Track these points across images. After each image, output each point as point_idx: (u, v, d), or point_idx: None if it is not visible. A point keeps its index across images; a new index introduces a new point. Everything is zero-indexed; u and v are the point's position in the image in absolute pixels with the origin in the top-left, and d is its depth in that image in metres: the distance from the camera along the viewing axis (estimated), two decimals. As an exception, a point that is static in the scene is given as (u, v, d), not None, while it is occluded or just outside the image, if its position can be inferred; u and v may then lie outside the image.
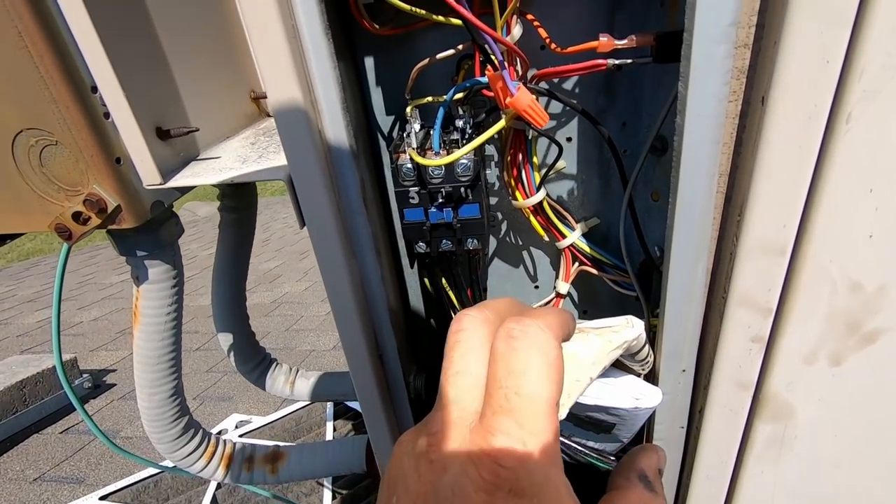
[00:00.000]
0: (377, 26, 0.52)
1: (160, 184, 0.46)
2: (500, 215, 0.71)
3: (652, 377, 0.55)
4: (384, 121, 0.66)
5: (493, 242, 0.74)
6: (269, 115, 0.69)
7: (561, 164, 0.66)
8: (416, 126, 0.59)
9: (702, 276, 0.47)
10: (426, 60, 0.53)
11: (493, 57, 0.45)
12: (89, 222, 0.47)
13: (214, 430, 2.05)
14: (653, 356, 0.53)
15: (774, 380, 0.48)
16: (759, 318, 0.45)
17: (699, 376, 0.53)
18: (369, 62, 0.62)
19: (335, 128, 0.44)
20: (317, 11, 0.42)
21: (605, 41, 0.45)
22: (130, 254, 0.53)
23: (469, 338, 0.30)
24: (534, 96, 0.47)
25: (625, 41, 0.45)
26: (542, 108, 0.47)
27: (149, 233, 0.53)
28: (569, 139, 0.64)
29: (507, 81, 0.46)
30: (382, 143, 0.67)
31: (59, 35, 0.42)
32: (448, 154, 0.53)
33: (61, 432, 2.47)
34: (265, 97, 0.68)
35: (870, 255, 0.41)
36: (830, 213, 0.39)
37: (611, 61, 0.46)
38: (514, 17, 0.51)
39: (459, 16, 0.41)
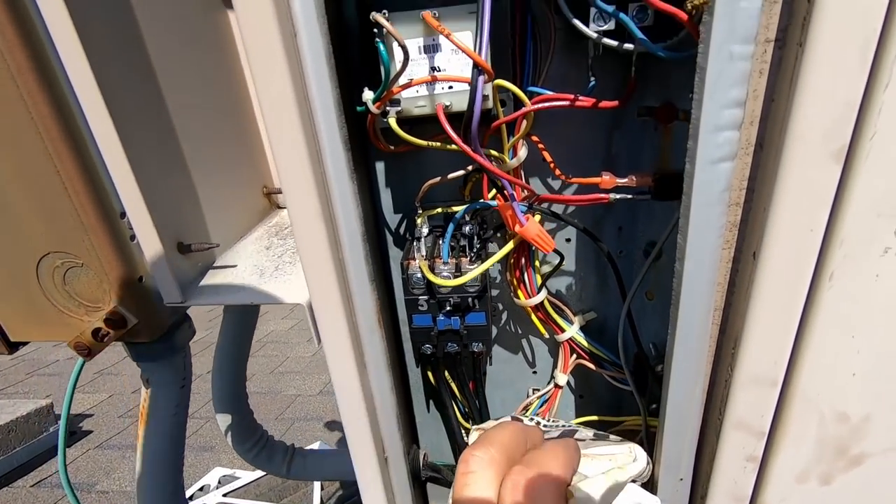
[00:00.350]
0: (392, 147, 0.55)
1: (180, 302, 0.48)
2: (500, 306, 0.74)
3: (650, 485, 0.57)
4: (392, 218, 0.69)
5: (493, 331, 0.76)
6: (279, 207, 0.72)
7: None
8: (425, 231, 0.62)
9: (699, 396, 0.50)
10: (437, 179, 0.56)
11: (504, 190, 0.48)
12: (108, 338, 0.48)
13: (196, 486, 1.98)
14: (651, 467, 0.55)
15: (768, 496, 0.50)
16: (752, 440, 0.48)
17: (696, 487, 0.54)
18: (380, 166, 0.66)
19: (355, 257, 0.46)
20: (336, 125, 0.44)
21: (607, 179, 0.48)
22: (143, 360, 0.54)
23: (477, 480, 0.32)
24: (540, 224, 0.51)
25: (625, 180, 0.48)
26: (548, 236, 0.50)
27: (163, 341, 0.54)
28: (568, 240, 0.68)
29: (516, 212, 0.49)
30: (389, 238, 0.70)
31: (93, 166, 0.44)
32: (455, 265, 0.56)
33: (32, 485, 2.36)
34: (279, 192, 0.71)
35: (854, 390, 0.44)
36: (817, 353, 0.42)
37: (612, 196, 0.49)
38: (522, 140, 0.55)
39: (475, 161, 0.44)
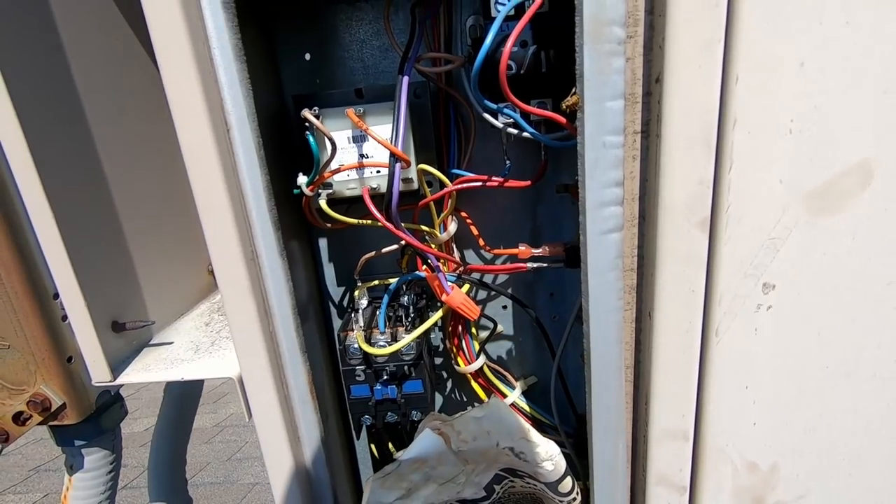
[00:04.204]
0: (328, 225, 0.59)
1: (109, 381, 0.48)
2: (445, 374, 0.75)
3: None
4: (335, 291, 0.72)
5: (439, 399, 0.77)
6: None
7: (499, 327, 0.72)
8: (364, 303, 0.64)
9: (623, 454, 0.52)
10: (373, 253, 0.60)
11: (429, 262, 0.52)
12: (30, 422, 0.47)
13: None
14: (579, 495, 0.55)
15: (699, 553, 0.50)
16: (676, 496, 0.49)
17: (634, 549, 0.55)
18: (323, 242, 0.69)
19: (286, 331, 0.48)
20: (266, 207, 0.47)
21: (523, 249, 0.53)
22: (68, 444, 0.53)
23: None
24: (465, 293, 0.54)
25: (540, 250, 0.53)
26: (473, 304, 0.53)
27: (90, 422, 0.53)
28: (504, 307, 0.71)
29: (442, 282, 0.53)
30: (333, 311, 0.72)
31: (27, 246, 0.45)
32: (391, 334, 0.58)
33: None
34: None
35: (758, 439, 0.47)
36: (717, 405, 0.46)
37: (530, 265, 0.54)
38: (451, 216, 0.59)
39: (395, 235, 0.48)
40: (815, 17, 0.36)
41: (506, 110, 0.46)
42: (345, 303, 0.72)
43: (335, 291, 0.72)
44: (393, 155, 0.44)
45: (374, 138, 0.44)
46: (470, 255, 0.68)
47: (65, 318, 0.48)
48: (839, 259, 0.41)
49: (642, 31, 0.39)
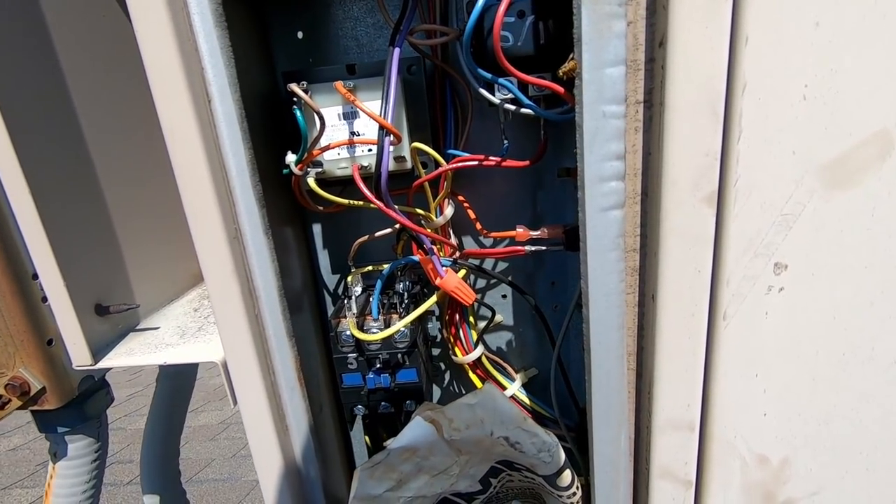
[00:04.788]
0: (321, 207, 0.57)
1: (90, 365, 0.46)
2: (442, 365, 0.73)
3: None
4: (330, 278, 0.70)
5: (437, 391, 0.75)
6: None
7: (498, 317, 0.70)
8: (358, 290, 0.62)
9: (625, 446, 0.49)
10: (366, 237, 0.58)
11: (423, 245, 0.50)
12: (8, 406, 0.45)
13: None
14: (580, 490, 0.53)
15: (706, 552, 0.48)
16: (681, 490, 0.47)
17: (636, 546, 0.52)
18: (317, 228, 0.67)
19: (273, 314, 0.46)
20: (250, 184, 0.45)
21: (521, 232, 0.51)
22: (50, 431, 0.51)
23: None
24: (461, 276, 0.52)
25: (538, 233, 0.51)
26: (468, 288, 0.51)
27: (73, 408, 0.51)
28: (504, 296, 0.69)
29: (436, 264, 0.50)
30: (328, 298, 0.70)
31: (6, 224, 0.44)
32: (385, 321, 0.56)
33: None
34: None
35: (769, 431, 0.44)
36: (725, 394, 0.43)
37: (528, 248, 0.51)
38: (447, 199, 0.57)
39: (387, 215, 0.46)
40: (832, -27, 0.33)
41: (502, 81, 0.44)
42: (340, 290, 0.70)
43: (330, 279, 0.70)
44: (382, 128, 0.42)
45: (362, 109, 0.42)
46: (468, 241, 0.65)
47: (44, 299, 0.46)
48: (857, 237, 0.39)
49: (645, -9, 0.36)
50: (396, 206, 0.48)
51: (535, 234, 0.50)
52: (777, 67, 0.35)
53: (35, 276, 0.46)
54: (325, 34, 0.60)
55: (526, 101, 0.43)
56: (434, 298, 0.53)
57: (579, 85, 0.37)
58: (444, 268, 0.50)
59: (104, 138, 0.53)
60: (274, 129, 0.54)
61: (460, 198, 0.61)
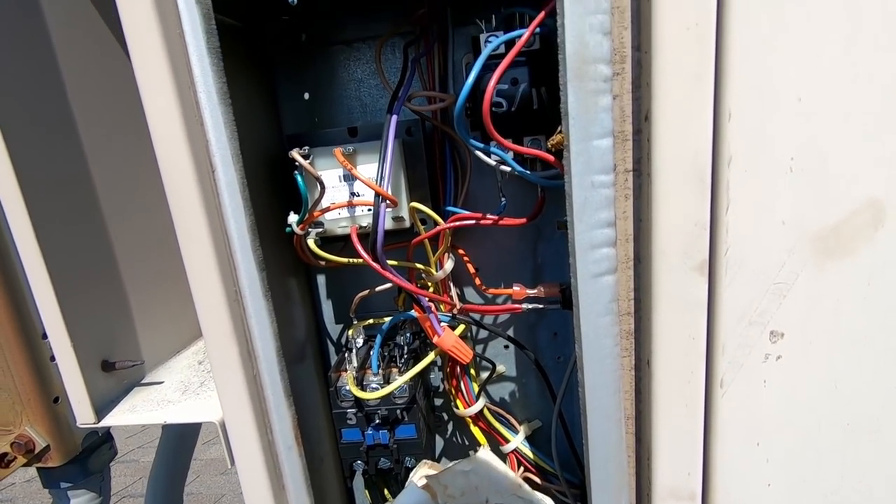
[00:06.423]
0: (322, 263, 0.58)
1: (94, 423, 0.47)
2: (445, 416, 0.72)
3: None
4: (334, 329, 0.71)
5: (440, 442, 0.74)
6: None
7: (501, 368, 0.69)
8: (360, 342, 0.63)
9: (627, 513, 0.48)
10: (367, 291, 0.59)
11: (420, 302, 0.51)
12: (13, 463, 0.46)
13: None
14: None
15: None
16: (686, 563, 0.45)
17: None
18: (321, 279, 0.69)
19: (271, 374, 0.47)
20: (251, 248, 0.46)
21: (518, 290, 0.51)
22: (54, 486, 0.52)
23: None
24: (460, 332, 0.52)
25: (534, 291, 0.51)
26: (465, 346, 0.51)
27: (76, 464, 0.52)
28: (506, 347, 0.69)
29: (433, 323, 0.51)
30: (331, 349, 0.71)
31: (17, 283, 0.46)
32: (384, 376, 0.56)
33: None
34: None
35: (772, 502, 0.42)
36: (727, 462, 0.42)
37: (525, 306, 0.51)
38: (447, 253, 0.58)
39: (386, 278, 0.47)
40: (811, 49, 0.34)
41: (494, 150, 0.45)
42: (343, 341, 0.70)
43: (334, 329, 0.71)
44: (378, 195, 0.43)
45: (359, 178, 0.44)
46: (469, 292, 0.66)
47: (53, 358, 0.47)
48: (854, 305, 0.38)
49: (629, 68, 0.37)
50: (396, 262, 0.49)
51: (531, 292, 0.51)
52: (762, 141, 0.35)
53: (44, 336, 0.48)
54: (329, 95, 0.62)
55: (517, 167, 0.44)
56: (432, 355, 0.53)
57: (567, 157, 0.38)
58: (441, 325, 0.51)
59: (115, 200, 0.56)
60: (280, 184, 0.56)
61: (460, 251, 0.62)
